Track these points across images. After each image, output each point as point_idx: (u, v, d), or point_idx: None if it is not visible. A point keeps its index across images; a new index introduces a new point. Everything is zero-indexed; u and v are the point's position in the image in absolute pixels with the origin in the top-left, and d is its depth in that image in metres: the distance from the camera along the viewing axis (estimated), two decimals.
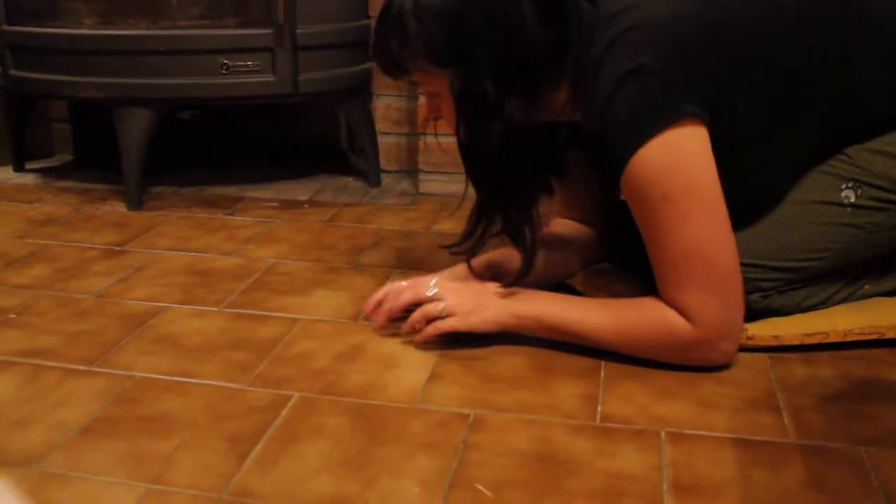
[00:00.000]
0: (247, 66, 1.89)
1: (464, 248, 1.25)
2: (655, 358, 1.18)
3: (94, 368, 1.19)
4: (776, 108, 1.19)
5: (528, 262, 1.23)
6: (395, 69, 1.21)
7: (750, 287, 1.21)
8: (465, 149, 1.20)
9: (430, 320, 1.22)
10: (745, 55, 1.16)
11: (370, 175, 2.10)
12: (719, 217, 1.12)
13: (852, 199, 1.22)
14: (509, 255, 1.30)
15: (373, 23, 2.02)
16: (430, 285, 1.24)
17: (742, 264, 1.18)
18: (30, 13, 2.00)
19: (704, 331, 1.13)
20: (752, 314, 1.23)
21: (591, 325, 1.19)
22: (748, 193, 1.20)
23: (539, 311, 1.21)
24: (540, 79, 1.16)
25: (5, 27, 2.00)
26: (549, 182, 1.34)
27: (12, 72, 2.02)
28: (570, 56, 1.17)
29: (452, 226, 1.78)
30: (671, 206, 1.10)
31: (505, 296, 1.23)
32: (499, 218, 1.23)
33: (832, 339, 1.22)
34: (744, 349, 1.21)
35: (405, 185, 2.09)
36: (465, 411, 1.08)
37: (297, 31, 1.90)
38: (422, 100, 1.98)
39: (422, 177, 2.04)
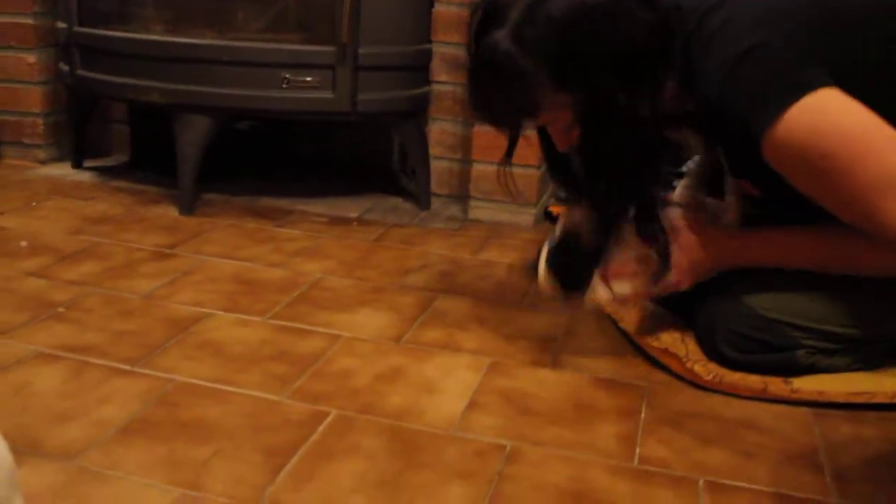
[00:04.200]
0: (307, 82, 1.91)
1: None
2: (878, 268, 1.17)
3: (136, 369, 1.20)
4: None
5: (666, 255, 1.24)
6: (519, 115, 1.19)
7: (793, 343, 1.20)
8: (598, 158, 1.17)
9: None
10: (867, 35, 1.12)
11: (420, 197, 2.11)
12: (889, 142, 1.06)
13: None
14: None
15: (435, 47, 2.07)
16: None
17: (784, 323, 1.16)
18: (100, 16, 2.05)
19: None
20: (798, 369, 1.22)
21: (810, 253, 1.21)
22: None
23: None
24: (658, 68, 1.13)
25: (76, 28, 2.04)
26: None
27: (79, 71, 2.06)
28: (676, 38, 1.13)
29: (498, 254, 1.78)
30: (833, 160, 1.06)
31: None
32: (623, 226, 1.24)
33: (879, 399, 1.19)
34: (788, 402, 1.19)
35: (454, 210, 2.09)
36: (503, 442, 1.07)
37: (360, 50, 1.91)
38: (478, 127, 1.98)
39: (472, 203, 2.04)
